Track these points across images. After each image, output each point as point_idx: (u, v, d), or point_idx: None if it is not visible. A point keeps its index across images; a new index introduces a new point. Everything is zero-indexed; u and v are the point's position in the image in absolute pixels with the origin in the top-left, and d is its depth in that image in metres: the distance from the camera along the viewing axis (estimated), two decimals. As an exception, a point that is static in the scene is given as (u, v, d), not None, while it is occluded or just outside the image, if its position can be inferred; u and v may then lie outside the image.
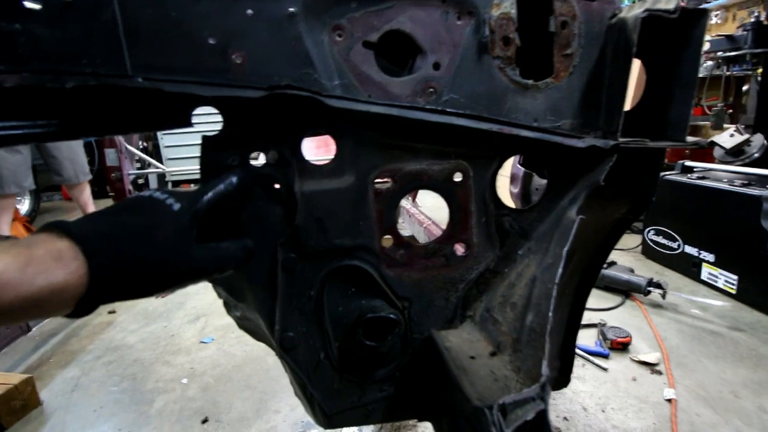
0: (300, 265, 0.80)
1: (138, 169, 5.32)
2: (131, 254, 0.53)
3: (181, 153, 6.62)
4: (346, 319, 0.83)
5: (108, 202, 4.45)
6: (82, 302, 0.48)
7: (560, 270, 0.74)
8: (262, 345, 0.99)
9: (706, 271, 2.63)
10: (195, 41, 0.64)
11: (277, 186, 0.75)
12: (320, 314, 0.83)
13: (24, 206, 5.03)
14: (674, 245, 2.83)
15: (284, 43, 0.68)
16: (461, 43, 0.75)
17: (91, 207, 4.61)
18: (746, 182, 2.48)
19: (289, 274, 0.79)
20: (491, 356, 0.77)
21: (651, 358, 1.91)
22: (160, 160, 5.68)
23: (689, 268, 2.75)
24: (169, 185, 7.57)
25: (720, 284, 2.54)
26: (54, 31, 0.61)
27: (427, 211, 2.81)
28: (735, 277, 2.45)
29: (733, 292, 2.46)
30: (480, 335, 0.84)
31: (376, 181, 0.78)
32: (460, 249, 0.86)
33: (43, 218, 5.41)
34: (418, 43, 0.74)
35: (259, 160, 0.78)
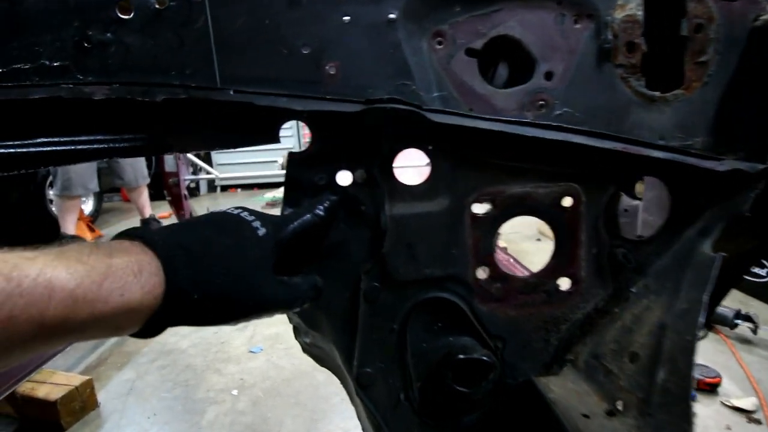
0: (384, 295, 0.72)
1: (191, 173, 5.54)
2: (211, 279, 0.47)
3: (231, 159, 6.87)
4: (430, 357, 0.74)
5: (164, 205, 4.65)
6: (150, 323, 0.43)
7: (701, 320, 0.62)
8: (310, 360, 0.93)
9: (805, 304, 2.31)
10: (288, 51, 0.59)
11: (363, 208, 0.68)
12: (402, 350, 0.74)
13: (88, 207, 5.37)
14: (762, 272, 2.52)
15: (381, 51, 0.61)
16: (578, 50, 0.65)
17: (148, 209, 4.85)
18: None
19: (372, 304, 0.72)
20: (608, 416, 0.65)
21: (746, 404, 1.67)
22: (210, 165, 5.90)
23: (782, 299, 2.43)
24: (218, 190, 7.86)
25: (822, 320, 2.22)
26: (144, 41, 0.57)
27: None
28: (843, 312, 2.13)
29: (840, 328, 2.14)
30: (588, 387, 0.72)
31: (474, 204, 0.69)
32: (564, 284, 0.75)
33: (104, 218, 5.75)
34: (528, 50, 0.64)
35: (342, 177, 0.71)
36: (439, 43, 0.64)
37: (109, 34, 0.56)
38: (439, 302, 0.73)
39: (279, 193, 6.38)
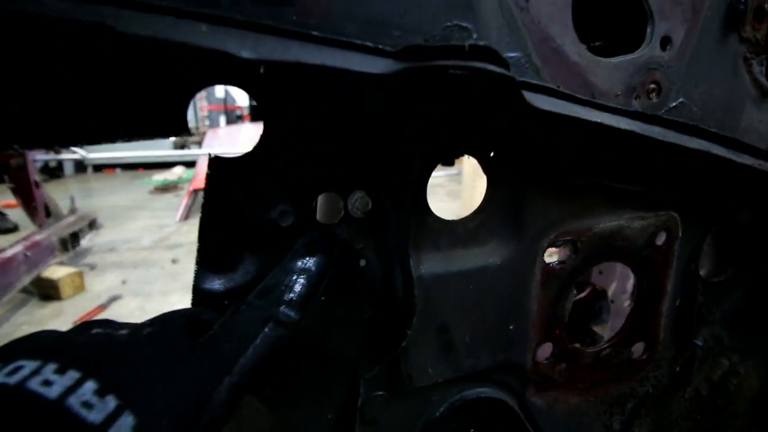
0: (393, 408, 0.41)
1: (48, 151, 4.38)
2: None
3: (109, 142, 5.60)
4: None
5: (5, 192, 3.57)
6: None
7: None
8: None
9: None
10: None
11: (363, 264, 0.36)
12: (416, 481, 0.45)
13: None
14: None
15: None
16: (704, 8, 0.41)
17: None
18: None
19: (374, 426, 0.41)
20: None
21: None
22: (77, 141, 4.73)
23: None
24: (89, 170, 6.46)
25: None
26: None
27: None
28: None
29: None
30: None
31: (549, 250, 0.41)
32: (638, 350, 0.52)
33: None
34: (645, -3, 0.38)
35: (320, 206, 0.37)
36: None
37: None
38: (479, 403, 0.45)
39: (171, 175, 5.44)
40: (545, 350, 0.46)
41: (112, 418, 0.16)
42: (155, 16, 0.21)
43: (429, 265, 0.37)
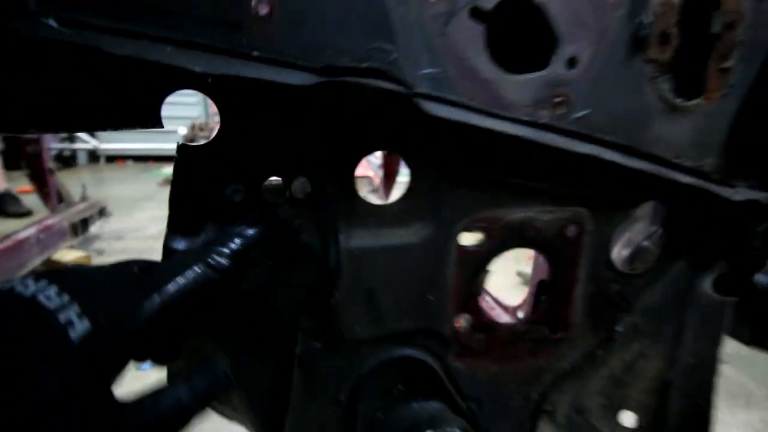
0: (327, 358, 0.50)
1: (63, 141, 4.55)
2: None
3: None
4: (388, 433, 0.54)
5: (20, 178, 3.72)
6: None
7: (715, 379, 0.51)
8: None
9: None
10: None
11: (303, 238, 0.44)
12: (350, 428, 0.54)
13: None
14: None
15: (348, -10, 0.37)
16: (609, 33, 0.49)
17: (1, 182, 3.85)
18: None
19: (310, 372, 0.49)
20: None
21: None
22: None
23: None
24: (102, 161, 6.66)
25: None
26: None
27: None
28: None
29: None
30: (574, 453, 0.60)
31: (463, 234, 0.50)
32: (553, 329, 0.60)
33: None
34: (552, 21, 0.46)
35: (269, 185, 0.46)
36: (434, -6, 0.42)
37: None
38: (405, 362, 0.53)
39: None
40: (463, 321, 0.54)
41: (64, 306, 0.25)
42: (133, 40, 0.30)
43: (358, 240, 0.46)
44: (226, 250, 0.35)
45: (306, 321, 0.47)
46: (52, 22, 0.28)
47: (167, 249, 0.40)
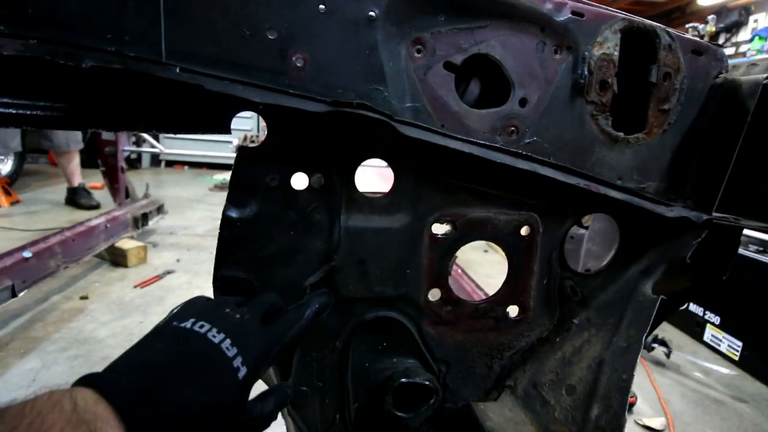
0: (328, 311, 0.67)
1: (132, 144, 5.11)
2: None
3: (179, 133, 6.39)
4: (372, 379, 0.70)
5: (96, 175, 4.23)
6: None
7: (638, 359, 0.63)
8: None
9: (710, 333, 2.57)
10: (252, 32, 0.52)
11: (317, 216, 0.63)
12: (343, 370, 0.70)
13: (6, 167, 4.76)
14: (678, 301, 2.75)
15: (356, 50, 0.56)
16: (554, 81, 0.64)
17: (78, 177, 4.37)
18: (761, 249, 2.43)
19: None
20: (542, 449, 0.66)
21: (656, 423, 1.82)
22: (156, 138, 5.46)
23: (692, 327, 2.68)
24: (162, 165, 7.33)
25: (723, 348, 2.48)
26: (76, -7, 0.48)
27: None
28: (739, 343, 2.39)
29: (736, 358, 2.39)
30: (525, 416, 0.72)
31: (435, 225, 0.66)
32: (513, 312, 0.74)
33: (24, 181, 5.14)
34: (506, 73, 0.62)
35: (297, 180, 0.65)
36: (418, 52, 0.60)
37: (29, -23, 0.46)
38: (387, 322, 0.69)
39: (230, 176, 6.04)
40: (435, 295, 0.69)
41: (236, 355, 0.45)
42: (220, 81, 0.50)
43: (355, 221, 0.63)
44: (310, 309, 0.57)
45: (313, 278, 0.64)
46: (177, 70, 0.49)
47: (225, 216, 0.60)
